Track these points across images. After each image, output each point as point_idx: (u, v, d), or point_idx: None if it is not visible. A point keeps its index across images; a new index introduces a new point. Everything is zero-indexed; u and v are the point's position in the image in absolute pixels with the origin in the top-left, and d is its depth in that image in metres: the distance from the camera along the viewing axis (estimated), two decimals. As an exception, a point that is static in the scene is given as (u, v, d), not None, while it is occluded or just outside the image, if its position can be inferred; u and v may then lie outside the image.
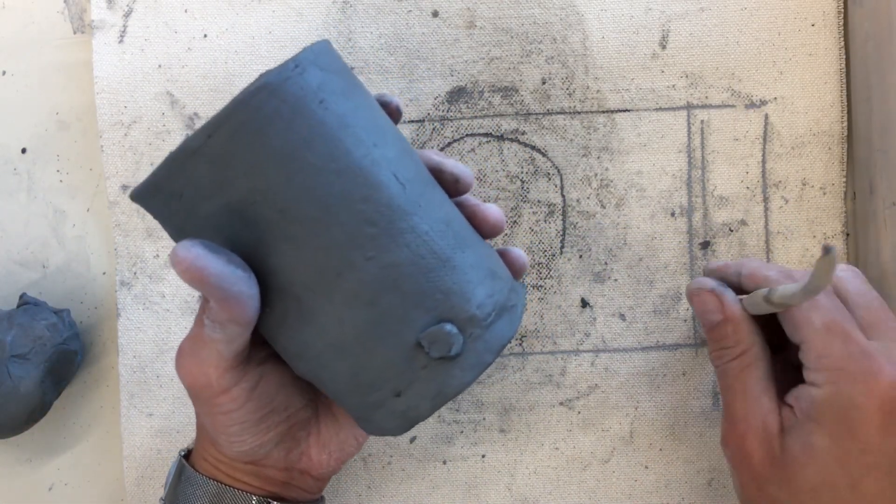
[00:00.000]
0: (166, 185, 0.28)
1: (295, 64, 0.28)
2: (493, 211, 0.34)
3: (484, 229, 0.34)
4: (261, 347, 0.33)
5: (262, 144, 0.27)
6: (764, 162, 0.45)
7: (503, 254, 0.35)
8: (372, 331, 0.29)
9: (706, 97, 0.45)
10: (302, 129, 0.27)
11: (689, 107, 0.45)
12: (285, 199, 0.27)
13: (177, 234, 0.30)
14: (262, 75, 0.28)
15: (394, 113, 0.34)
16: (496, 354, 0.31)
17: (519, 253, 0.35)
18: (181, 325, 0.46)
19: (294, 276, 0.28)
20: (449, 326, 0.29)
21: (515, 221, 0.46)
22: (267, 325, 0.30)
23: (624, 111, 0.45)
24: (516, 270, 0.35)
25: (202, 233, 0.29)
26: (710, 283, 0.37)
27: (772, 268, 0.37)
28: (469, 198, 0.34)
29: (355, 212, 0.28)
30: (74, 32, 0.48)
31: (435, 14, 0.45)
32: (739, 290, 0.37)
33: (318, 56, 0.29)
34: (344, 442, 0.36)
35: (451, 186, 0.33)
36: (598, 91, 0.45)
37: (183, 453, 0.37)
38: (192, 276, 0.27)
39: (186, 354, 0.31)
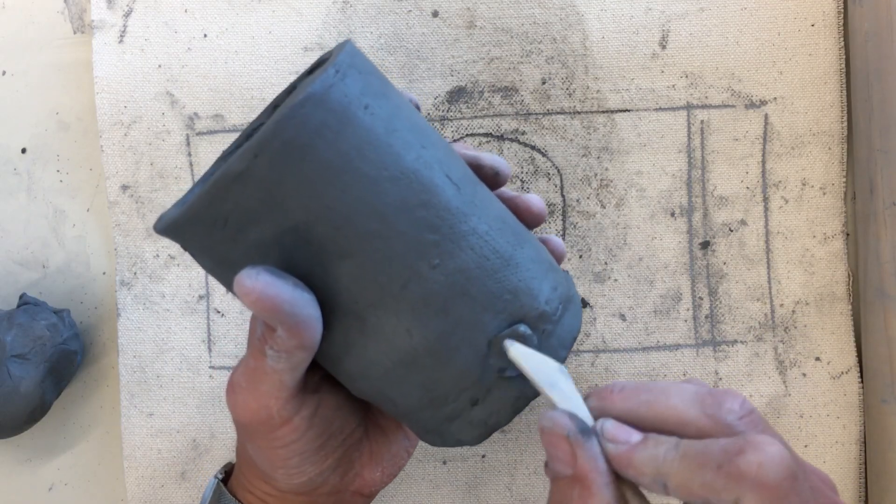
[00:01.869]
0: (207, 214, 0.26)
1: (335, 69, 0.26)
2: (534, 200, 0.33)
3: (527, 220, 0.33)
4: (314, 371, 0.31)
5: (312, 159, 0.25)
6: (764, 162, 0.45)
7: (543, 243, 0.33)
8: (444, 341, 0.28)
9: (706, 97, 0.45)
10: (351, 138, 0.26)
11: (689, 107, 0.45)
12: (340, 215, 0.26)
13: (216, 265, 0.28)
14: (292, 85, 0.26)
15: None
16: (569, 348, 0.30)
17: (558, 241, 0.34)
18: (181, 325, 0.46)
19: (356, 294, 0.27)
20: (522, 327, 0.28)
21: (515, 221, 0.46)
22: (324, 347, 0.29)
23: (624, 111, 0.45)
24: (556, 259, 0.33)
25: (249, 260, 0.27)
26: (565, 422, 0.26)
27: (683, 391, 0.27)
28: (506, 190, 0.33)
29: (415, 219, 0.27)
30: (74, 32, 0.48)
31: (435, 14, 0.45)
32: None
33: (354, 58, 0.27)
34: (396, 455, 0.35)
35: (491, 180, 0.32)
36: (598, 91, 0.45)
37: (220, 476, 0.35)
38: (264, 305, 0.26)
39: (243, 389, 0.29)
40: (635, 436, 0.26)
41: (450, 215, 0.27)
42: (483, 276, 0.28)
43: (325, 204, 0.26)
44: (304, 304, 0.26)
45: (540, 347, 0.29)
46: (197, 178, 0.46)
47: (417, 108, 0.33)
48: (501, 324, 0.28)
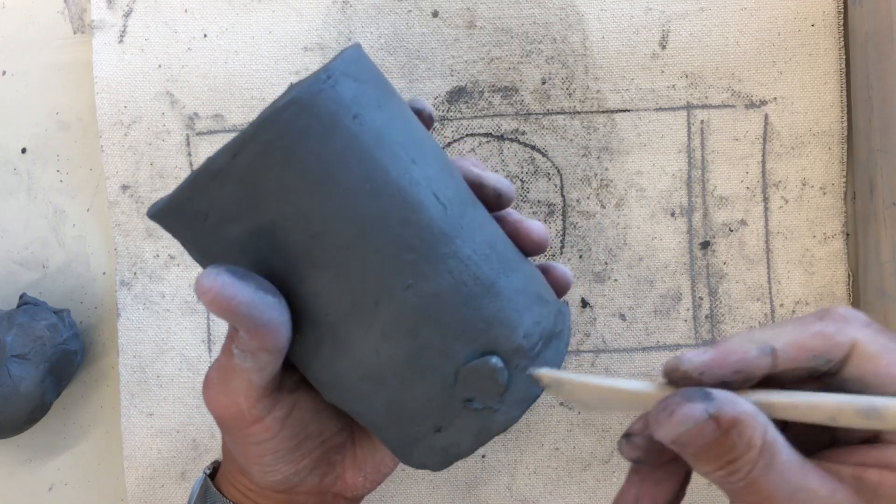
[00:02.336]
0: (188, 207, 0.26)
1: (327, 75, 0.25)
2: (536, 228, 0.31)
3: (526, 247, 0.31)
4: (292, 373, 0.31)
5: (293, 164, 0.25)
6: (764, 162, 0.45)
7: (546, 270, 0.32)
8: (411, 364, 0.27)
9: (706, 97, 0.45)
10: (335, 147, 0.25)
11: (689, 107, 0.45)
12: (317, 224, 0.26)
13: (200, 256, 0.28)
14: (290, 87, 0.26)
15: (426, 121, 0.32)
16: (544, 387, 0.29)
17: (563, 270, 0.32)
18: (181, 325, 0.46)
19: (327, 305, 0.27)
20: (494, 359, 0.27)
21: (515, 221, 0.46)
22: (297, 352, 0.28)
23: (624, 111, 0.45)
24: (559, 289, 0.32)
25: (227, 256, 0.27)
26: (695, 407, 0.23)
27: (748, 342, 0.25)
28: (511, 212, 0.32)
29: (393, 237, 0.26)
30: (74, 32, 0.48)
31: (435, 14, 0.45)
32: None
33: (351, 65, 0.26)
34: (380, 463, 0.34)
35: (493, 201, 0.31)
36: (598, 91, 0.45)
37: (208, 471, 0.36)
38: (220, 306, 0.25)
39: (214, 385, 0.29)
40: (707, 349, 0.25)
41: (430, 236, 0.26)
42: (458, 302, 0.27)
43: (301, 211, 0.25)
44: (265, 307, 0.26)
45: (511, 382, 0.28)
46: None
47: (431, 117, 0.32)
48: (473, 354, 0.27)
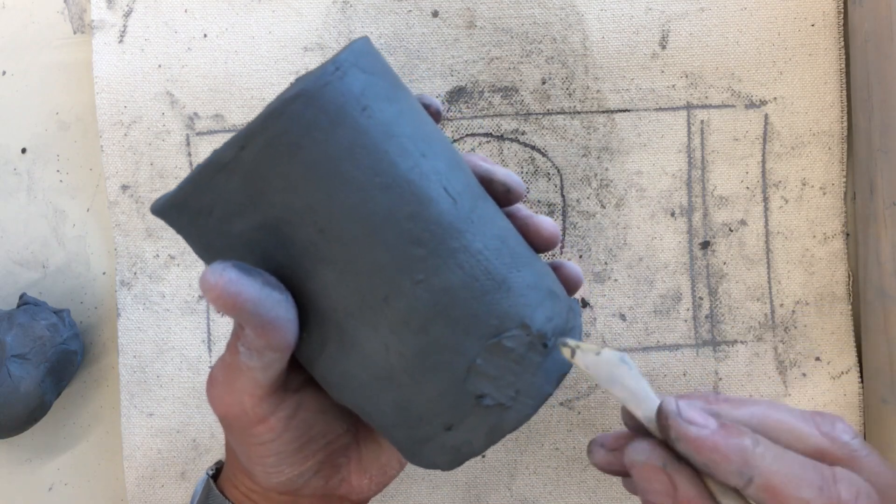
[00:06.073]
0: (193, 201, 0.26)
1: (335, 66, 0.25)
2: (546, 223, 0.31)
3: (536, 243, 0.31)
4: (298, 372, 0.31)
5: (300, 158, 0.25)
6: (764, 162, 0.45)
7: (556, 268, 0.32)
8: (421, 361, 0.26)
9: (706, 97, 0.45)
10: (343, 140, 0.25)
11: (689, 107, 0.45)
12: (325, 218, 0.25)
13: (204, 252, 0.28)
14: (298, 80, 0.25)
15: (434, 116, 0.31)
16: (557, 384, 0.28)
17: (574, 268, 0.32)
18: (181, 325, 0.46)
19: (335, 301, 0.26)
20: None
21: (515, 221, 0.46)
22: (304, 350, 0.28)
23: (624, 111, 0.45)
24: (570, 287, 0.32)
25: (233, 251, 0.26)
26: (658, 453, 0.27)
27: (790, 408, 0.27)
28: (520, 208, 0.32)
29: (402, 231, 0.25)
30: (74, 32, 0.48)
31: (435, 14, 0.45)
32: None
33: (360, 57, 0.26)
34: (385, 465, 0.34)
35: (502, 196, 0.31)
36: (598, 91, 0.45)
37: (211, 472, 0.36)
38: (226, 302, 0.25)
39: (219, 383, 0.29)
40: (712, 421, 0.26)
41: (440, 230, 0.26)
42: (469, 297, 0.26)
43: (309, 205, 0.25)
44: (272, 304, 0.26)
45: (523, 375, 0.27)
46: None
47: (438, 112, 0.32)
48: (484, 350, 0.27)
